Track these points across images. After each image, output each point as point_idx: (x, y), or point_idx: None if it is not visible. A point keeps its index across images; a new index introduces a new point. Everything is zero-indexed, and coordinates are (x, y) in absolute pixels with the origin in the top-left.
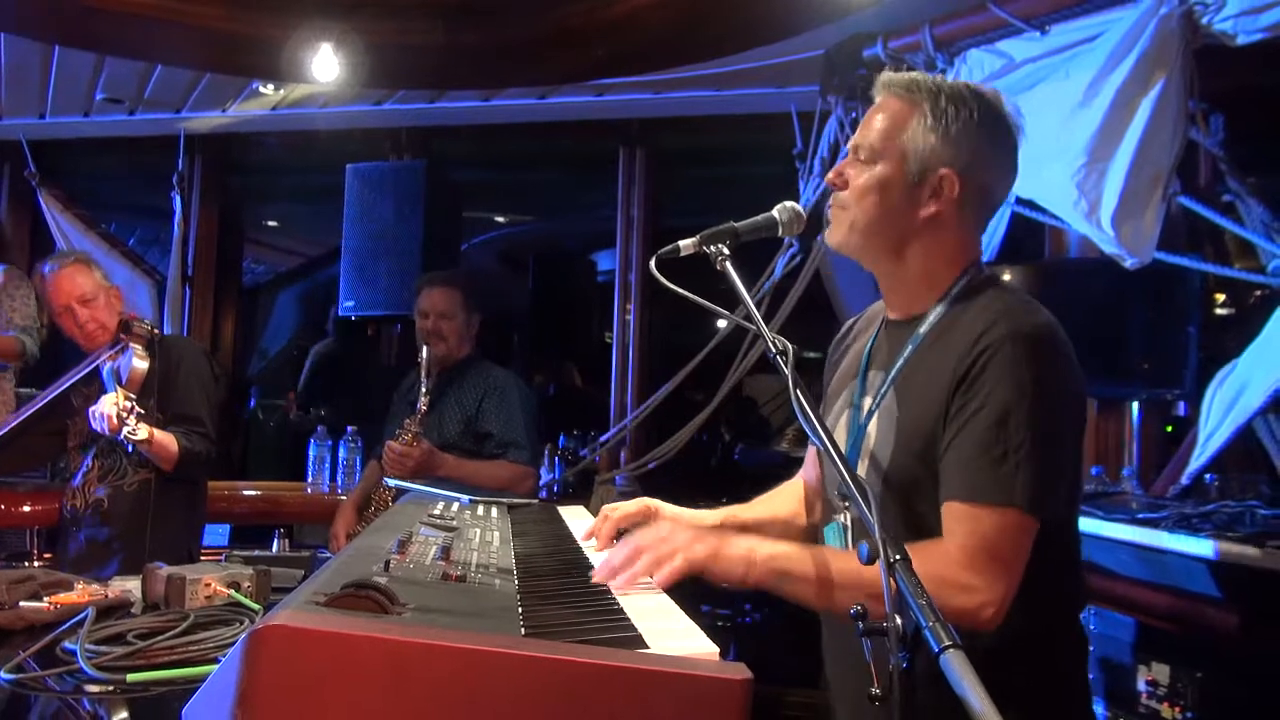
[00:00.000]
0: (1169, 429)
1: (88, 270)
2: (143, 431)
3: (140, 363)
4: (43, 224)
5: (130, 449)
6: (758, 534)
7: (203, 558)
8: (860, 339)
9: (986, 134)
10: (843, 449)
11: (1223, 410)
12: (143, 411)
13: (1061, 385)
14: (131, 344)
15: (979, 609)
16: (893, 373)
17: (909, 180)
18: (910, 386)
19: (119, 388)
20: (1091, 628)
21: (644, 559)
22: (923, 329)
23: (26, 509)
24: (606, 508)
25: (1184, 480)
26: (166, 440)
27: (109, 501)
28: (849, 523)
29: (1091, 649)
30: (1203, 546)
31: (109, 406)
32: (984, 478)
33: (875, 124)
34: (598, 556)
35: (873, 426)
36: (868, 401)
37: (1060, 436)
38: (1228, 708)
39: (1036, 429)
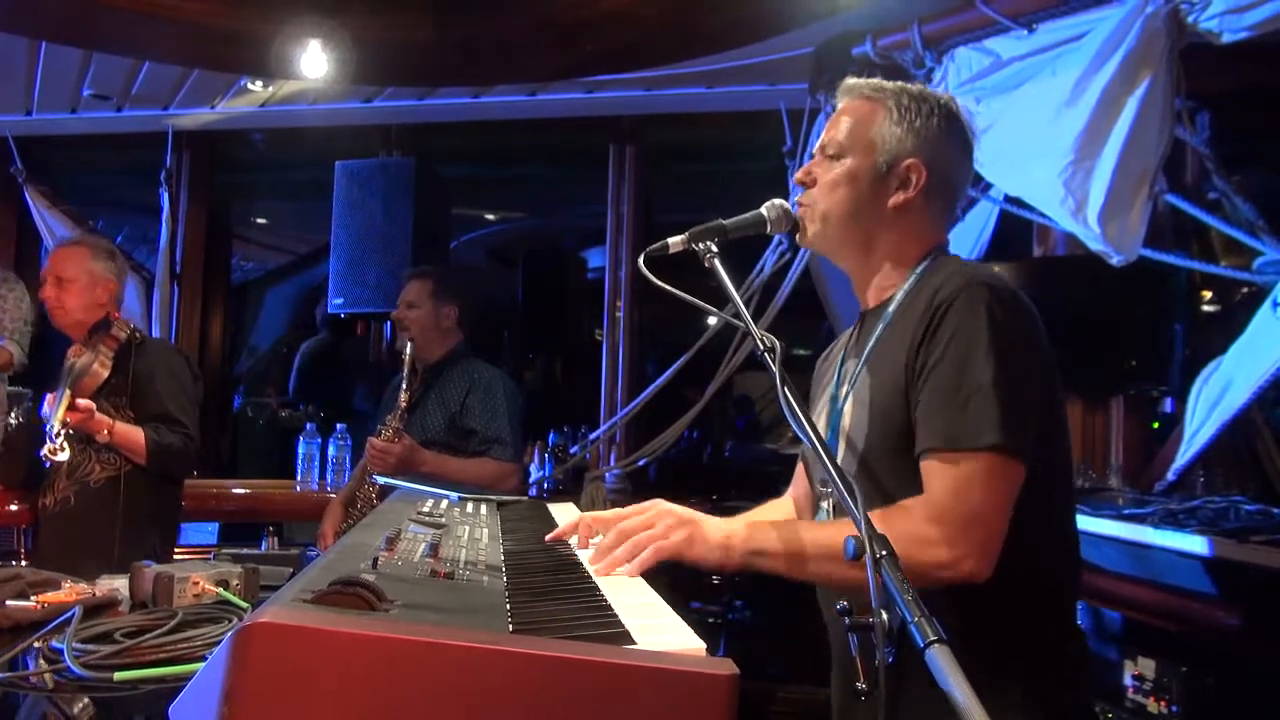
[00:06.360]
0: (1155, 425)
1: (85, 255)
2: (63, 455)
3: (100, 369)
4: (29, 221)
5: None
6: None
7: (190, 556)
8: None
9: (947, 129)
10: (823, 436)
11: (1208, 407)
12: (73, 432)
13: (1019, 330)
14: (101, 345)
15: (955, 561)
16: (864, 354)
17: (878, 171)
18: (879, 361)
19: (66, 393)
20: (1079, 622)
21: (623, 547)
22: (891, 307)
23: (14, 507)
24: (584, 515)
25: (1170, 476)
26: (130, 433)
27: (75, 499)
28: (831, 509)
29: None
30: (1189, 542)
31: (48, 409)
32: (951, 424)
33: (841, 123)
34: (586, 554)
35: (848, 409)
36: (844, 389)
37: (1022, 378)
38: (1214, 702)
39: (997, 370)
